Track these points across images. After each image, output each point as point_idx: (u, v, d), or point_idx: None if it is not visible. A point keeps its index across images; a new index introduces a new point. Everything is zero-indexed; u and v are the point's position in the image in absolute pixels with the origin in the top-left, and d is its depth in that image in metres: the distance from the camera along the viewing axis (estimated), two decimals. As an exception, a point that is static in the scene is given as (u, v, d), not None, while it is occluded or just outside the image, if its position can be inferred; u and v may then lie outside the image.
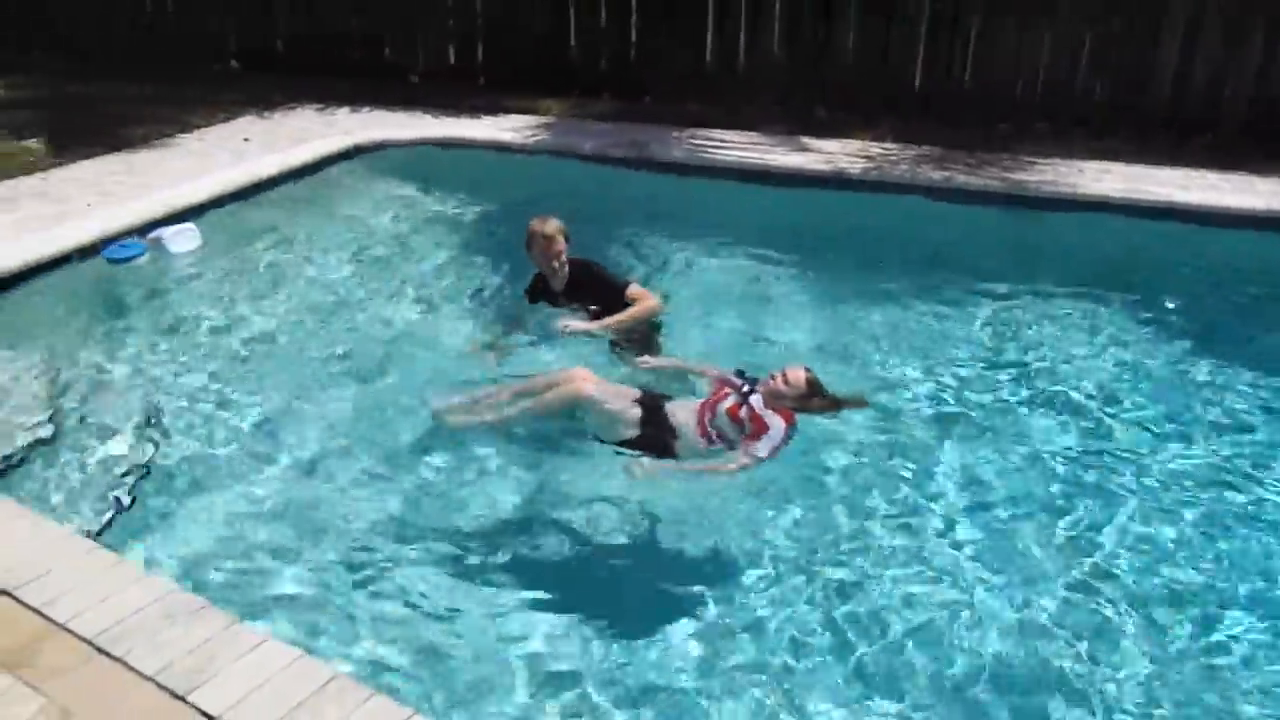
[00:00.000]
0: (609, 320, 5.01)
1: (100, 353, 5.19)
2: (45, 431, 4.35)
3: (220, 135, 8.92)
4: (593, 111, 9.86)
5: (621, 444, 4.26)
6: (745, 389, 4.13)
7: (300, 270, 6.39)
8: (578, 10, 10.58)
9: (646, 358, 4.66)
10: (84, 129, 8.76)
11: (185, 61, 11.83)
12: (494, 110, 9.74)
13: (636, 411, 4.27)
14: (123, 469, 4.08)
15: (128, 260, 6.16)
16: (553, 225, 5.12)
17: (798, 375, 3.96)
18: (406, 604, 3.46)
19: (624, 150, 8.28)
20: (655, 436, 4.20)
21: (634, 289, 5.10)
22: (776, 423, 3.91)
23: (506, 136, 8.67)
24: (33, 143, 8.36)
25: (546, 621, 3.43)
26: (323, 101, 10.22)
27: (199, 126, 9.18)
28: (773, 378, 3.98)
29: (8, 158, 7.86)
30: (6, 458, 4.10)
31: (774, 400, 3.96)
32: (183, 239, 6.36)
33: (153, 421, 4.49)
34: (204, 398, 4.79)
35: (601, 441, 4.26)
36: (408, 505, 4.02)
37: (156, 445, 4.30)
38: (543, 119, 9.49)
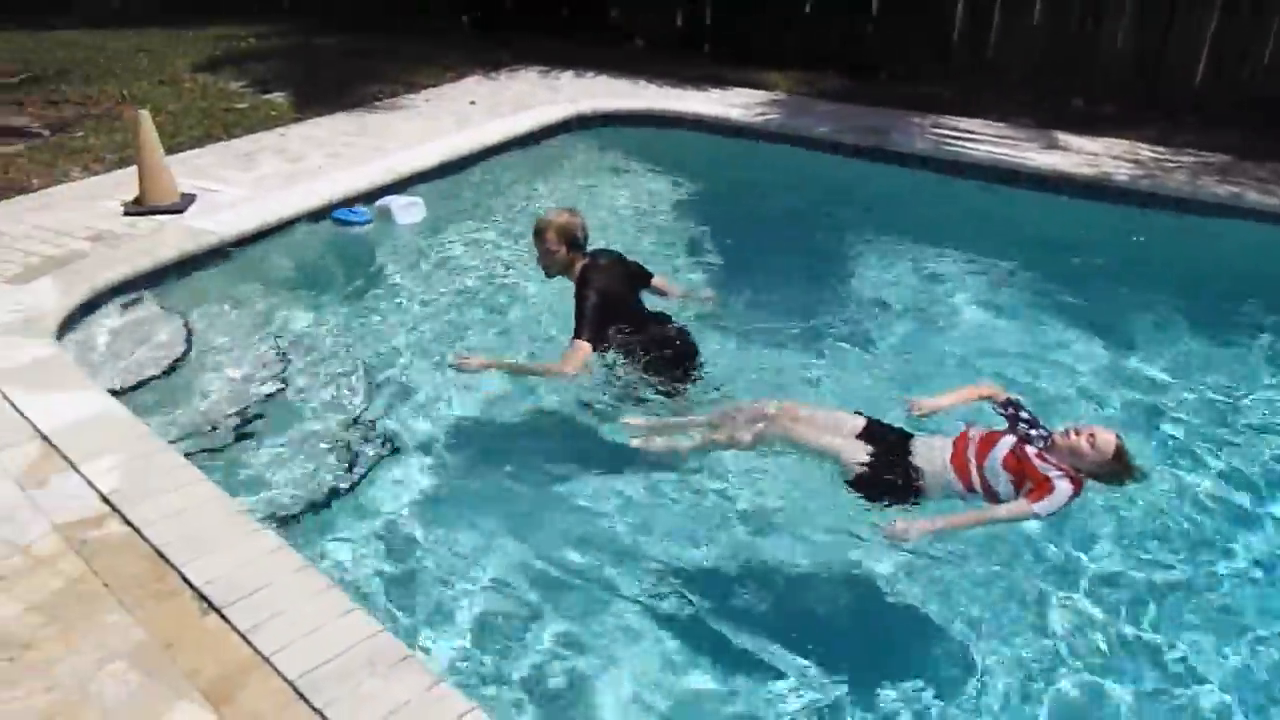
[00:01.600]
0: (512, 365, 4.45)
1: (320, 325, 5.17)
2: (259, 411, 4.33)
3: (447, 96, 8.93)
4: (822, 88, 9.27)
5: (848, 485, 3.84)
6: (1021, 429, 3.61)
7: (521, 249, 6.23)
8: (814, -22, 9.98)
9: (919, 402, 4.09)
10: (322, 84, 8.98)
11: (419, 15, 12.00)
12: (718, 82, 9.32)
13: (862, 449, 3.83)
14: (336, 462, 3.99)
15: (353, 225, 6.20)
16: (546, 219, 4.34)
17: (1108, 441, 3.37)
18: (624, 665, 3.18)
19: (859, 137, 7.67)
20: (890, 476, 3.73)
21: (576, 344, 4.10)
22: (1063, 486, 3.37)
23: (734, 114, 8.23)
24: (277, 97, 8.62)
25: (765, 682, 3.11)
26: (547, 64, 10.10)
27: (427, 86, 9.24)
28: (1075, 433, 3.42)
29: (253, 111, 8.12)
30: (215, 442, 4.08)
31: (1068, 459, 3.41)
32: (409, 212, 6.34)
33: (371, 410, 4.39)
34: (427, 385, 4.63)
35: (851, 491, 3.82)
36: (617, 539, 3.73)
37: (378, 438, 4.18)
38: (770, 95, 8.99)
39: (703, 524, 3.82)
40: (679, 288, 4.89)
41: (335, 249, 6.05)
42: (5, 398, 3.91)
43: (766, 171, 7.37)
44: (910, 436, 3.88)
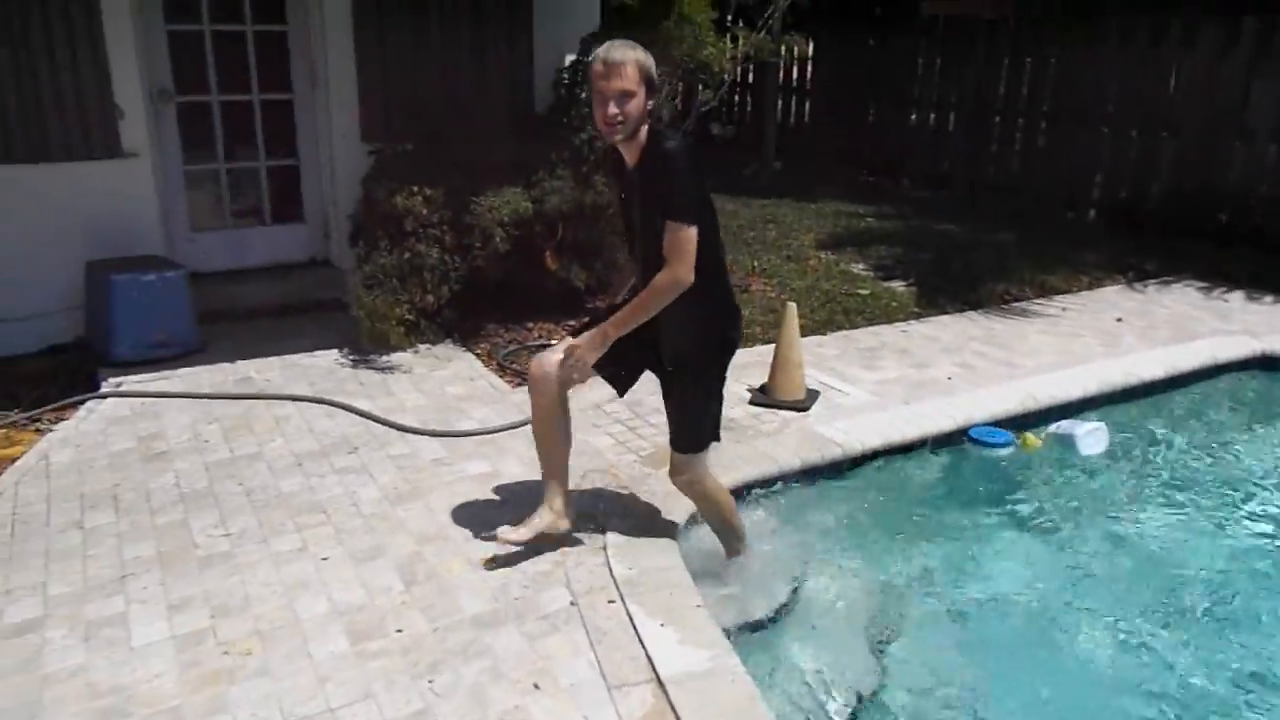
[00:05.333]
0: (617, 320, 3.47)
1: (958, 586, 4.35)
2: (877, 687, 3.58)
3: (1085, 307, 7.86)
4: None
5: None
6: None
7: (1184, 515, 4.93)
8: None
9: None
10: (944, 276, 8.45)
11: (1038, 205, 11.16)
12: None
13: None
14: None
15: (992, 447, 5.41)
16: (620, 52, 3.15)
17: None
18: None
19: None
20: None
21: (683, 231, 3.21)
22: None
23: None
24: (897, 285, 8.26)
25: None
26: (1208, 280, 8.56)
27: (1059, 292, 8.26)
28: None
29: (874, 299, 7.80)
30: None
31: None
32: (1095, 441, 5.48)
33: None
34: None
35: None
36: None
37: None
38: None
39: None
40: None
41: (974, 478, 5.23)
42: (629, 616, 3.64)
43: None
44: None
